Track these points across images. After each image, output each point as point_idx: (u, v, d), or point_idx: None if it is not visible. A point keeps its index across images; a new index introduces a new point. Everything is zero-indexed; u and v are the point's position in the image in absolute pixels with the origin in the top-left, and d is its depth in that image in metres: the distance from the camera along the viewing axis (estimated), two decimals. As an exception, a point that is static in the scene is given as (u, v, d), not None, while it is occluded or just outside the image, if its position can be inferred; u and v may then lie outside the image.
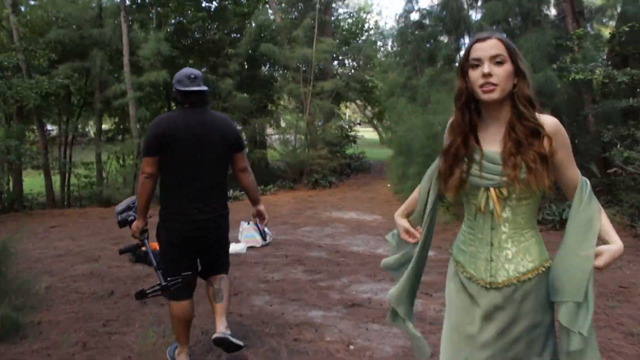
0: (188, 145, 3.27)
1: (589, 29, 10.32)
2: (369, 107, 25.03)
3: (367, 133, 30.34)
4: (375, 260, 6.33)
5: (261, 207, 3.82)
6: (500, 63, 1.78)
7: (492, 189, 1.84)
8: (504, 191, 1.82)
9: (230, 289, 3.86)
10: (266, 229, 7.36)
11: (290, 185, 13.60)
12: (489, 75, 1.76)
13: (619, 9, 10.12)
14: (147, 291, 3.31)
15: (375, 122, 25.90)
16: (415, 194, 2.16)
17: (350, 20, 23.90)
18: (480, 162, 1.85)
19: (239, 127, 16.59)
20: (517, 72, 1.81)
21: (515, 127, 1.80)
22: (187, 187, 3.31)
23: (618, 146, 7.63)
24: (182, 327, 3.43)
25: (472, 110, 1.88)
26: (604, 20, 12.76)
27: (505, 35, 1.96)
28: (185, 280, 3.31)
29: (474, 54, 1.81)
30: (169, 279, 3.26)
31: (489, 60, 1.77)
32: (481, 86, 1.78)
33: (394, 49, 16.81)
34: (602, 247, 1.76)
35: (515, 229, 1.86)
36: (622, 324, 4.30)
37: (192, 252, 3.46)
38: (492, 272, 1.87)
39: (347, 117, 27.93)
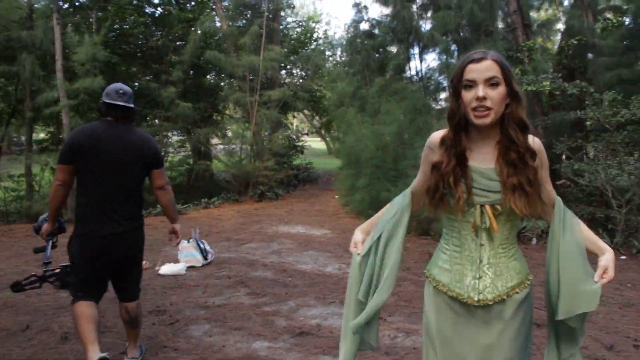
0: (102, 159, 3.30)
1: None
2: (317, 117, 24.72)
3: (314, 143, 30.11)
4: (324, 280, 5.90)
5: (177, 226, 3.84)
6: (494, 85, 1.75)
7: (487, 206, 1.84)
8: (499, 207, 1.83)
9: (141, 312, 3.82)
10: (208, 247, 6.82)
11: (235, 197, 13.01)
12: (484, 99, 1.73)
13: (561, 26, 10.14)
14: (23, 282, 3.36)
15: (323, 132, 25.61)
16: (379, 214, 2.15)
17: (299, 30, 23.57)
18: (474, 179, 1.84)
19: (181, 137, 15.99)
20: (511, 94, 1.78)
21: (509, 150, 1.81)
22: (98, 201, 3.32)
23: (564, 157, 7.53)
24: (84, 328, 3.27)
25: (464, 129, 1.86)
26: (545, 36, 12.87)
27: (500, 55, 1.84)
28: (64, 271, 3.38)
29: (468, 75, 1.76)
30: (44, 270, 3.35)
31: (484, 82, 1.74)
32: (474, 109, 1.76)
33: (343, 58, 16.56)
34: (604, 262, 1.81)
35: (503, 245, 1.89)
36: (584, 346, 4.02)
37: (102, 266, 3.40)
38: (481, 289, 1.87)
39: (294, 127, 27.54)
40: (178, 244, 4.00)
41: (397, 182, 9.09)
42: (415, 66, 19.47)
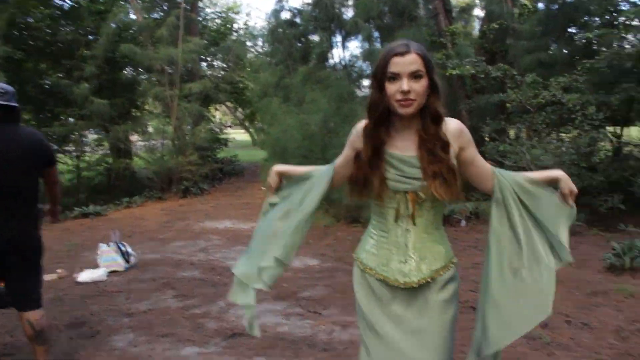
0: None
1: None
2: (240, 109, 24.29)
3: (238, 135, 29.63)
4: (255, 276, 5.67)
5: (56, 208, 3.75)
6: (418, 78, 1.78)
7: (409, 193, 1.89)
8: (422, 194, 1.88)
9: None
10: (129, 249, 6.43)
11: (158, 195, 12.49)
12: (408, 92, 1.77)
13: (480, 11, 10.30)
14: None
15: (247, 123, 25.20)
16: (306, 169, 2.17)
17: (218, 21, 23.00)
18: (396, 166, 1.89)
19: (99, 135, 15.19)
20: (432, 86, 1.82)
21: (428, 137, 1.85)
22: None
23: (487, 139, 7.63)
24: None
25: (385, 120, 1.89)
26: (465, 22, 13.09)
27: (422, 47, 1.87)
28: None
29: (393, 67, 1.78)
30: None
31: (408, 76, 1.77)
32: (398, 100, 1.79)
33: (265, 48, 16.24)
34: (561, 182, 1.90)
35: (427, 230, 1.94)
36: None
37: None
38: (406, 273, 1.91)
39: (217, 120, 26.98)
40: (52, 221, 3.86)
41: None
42: (338, 54, 19.44)
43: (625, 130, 9.77)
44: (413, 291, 1.93)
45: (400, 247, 1.94)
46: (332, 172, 2.09)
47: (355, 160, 1.97)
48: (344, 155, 2.07)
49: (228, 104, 22.73)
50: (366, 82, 11.30)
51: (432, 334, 1.92)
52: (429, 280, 1.92)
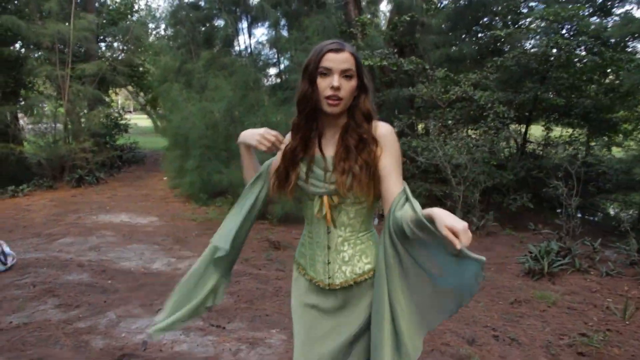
0: None
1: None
2: (142, 94, 22.91)
3: (141, 121, 28.07)
4: (151, 280, 5.04)
5: None
6: (348, 77, 1.77)
7: (325, 197, 1.84)
8: (335, 199, 1.83)
9: None
10: (7, 249, 5.55)
11: (49, 184, 11.29)
12: (338, 88, 1.74)
13: (387, 4, 10.07)
14: None
15: (149, 109, 23.84)
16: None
17: (118, 0, 21.44)
18: (311, 168, 1.86)
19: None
20: (361, 87, 1.81)
21: (348, 134, 1.80)
22: None
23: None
24: None
25: (313, 117, 1.84)
26: (372, 14, 12.86)
27: (355, 49, 1.85)
28: None
29: (326, 63, 1.76)
30: None
31: (339, 73, 1.75)
32: (327, 97, 1.76)
33: (167, 31, 15.19)
34: (441, 221, 1.43)
35: (352, 232, 1.87)
36: (446, 343, 3.72)
37: None
38: (330, 274, 1.88)
39: (118, 105, 25.32)
40: None
41: (230, 163, 8.37)
42: (244, 40, 18.73)
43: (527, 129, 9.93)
44: (337, 293, 1.90)
45: (323, 249, 1.90)
46: (267, 165, 2.04)
47: (282, 154, 1.90)
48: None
49: (130, 88, 21.36)
50: (273, 71, 10.78)
51: (350, 333, 1.86)
52: (352, 283, 1.87)
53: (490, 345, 3.86)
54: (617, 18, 8.76)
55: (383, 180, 1.77)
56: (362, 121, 1.78)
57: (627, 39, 8.35)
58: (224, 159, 8.72)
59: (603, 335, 4.08)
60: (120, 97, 28.94)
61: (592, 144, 9.74)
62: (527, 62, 8.08)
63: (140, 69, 18.26)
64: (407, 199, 1.65)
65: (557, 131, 10.84)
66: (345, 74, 1.75)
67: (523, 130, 9.82)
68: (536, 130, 10.84)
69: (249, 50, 10.81)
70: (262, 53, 10.95)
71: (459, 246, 1.39)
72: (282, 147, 1.90)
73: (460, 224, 1.40)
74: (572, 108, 9.26)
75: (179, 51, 10.51)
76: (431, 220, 1.48)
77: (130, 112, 19.56)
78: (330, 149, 1.85)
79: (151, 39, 18.57)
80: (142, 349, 3.49)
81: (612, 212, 10.14)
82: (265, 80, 10.32)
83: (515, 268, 5.62)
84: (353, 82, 1.77)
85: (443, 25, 9.20)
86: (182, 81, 9.87)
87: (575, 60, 8.36)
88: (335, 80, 1.73)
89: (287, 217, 7.62)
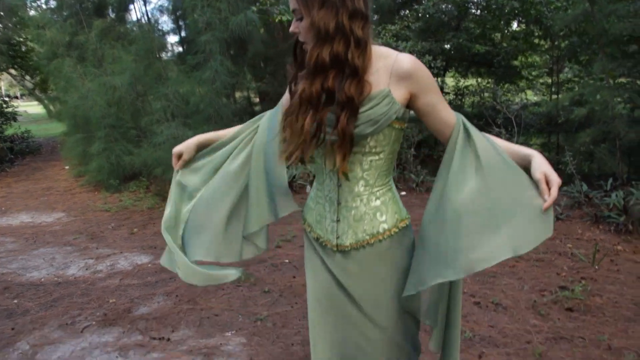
0: None
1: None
2: (28, 77, 20.75)
3: (31, 107, 25.67)
4: (68, 291, 4.15)
5: None
6: (299, 19, 1.45)
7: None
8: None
9: None
10: None
11: None
12: (295, 34, 1.50)
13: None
14: None
15: (38, 93, 21.69)
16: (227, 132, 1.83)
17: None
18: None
19: None
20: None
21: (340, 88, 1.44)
22: None
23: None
24: None
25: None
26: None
27: None
28: None
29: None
30: None
31: (295, 15, 1.46)
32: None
33: (50, 2, 13.46)
34: (539, 170, 1.37)
35: (365, 186, 1.56)
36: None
37: None
38: (339, 234, 1.59)
39: (2, 91, 22.97)
40: None
41: (142, 141, 7.41)
42: (139, 7, 17.51)
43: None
44: (347, 254, 1.60)
45: (333, 204, 1.60)
46: (279, 109, 1.72)
47: (290, 94, 1.59)
48: (285, 95, 1.70)
49: (12, 71, 19.23)
50: (174, 39, 9.79)
51: (369, 310, 1.59)
52: (364, 245, 1.57)
53: (475, 314, 3.42)
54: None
55: (434, 116, 1.49)
56: (351, 76, 1.40)
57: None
58: (133, 138, 7.72)
59: (581, 285, 3.80)
60: (2, 83, 26.27)
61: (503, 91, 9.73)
62: (447, 10, 7.77)
63: (23, 48, 16.33)
64: (466, 130, 1.48)
65: (468, 81, 10.92)
66: (297, 17, 1.46)
67: (440, 80, 9.66)
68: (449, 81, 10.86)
69: (146, 16, 9.70)
70: (160, 20, 9.90)
71: (547, 196, 1.34)
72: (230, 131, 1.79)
73: (556, 177, 1.36)
74: (481, 57, 9.30)
75: (66, 23, 9.17)
76: (526, 158, 1.44)
77: (17, 98, 17.58)
78: None
79: (32, 13, 16.64)
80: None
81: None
82: (171, 47, 9.31)
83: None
84: (304, 23, 1.43)
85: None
86: (74, 56, 8.61)
87: (494, 6, 8.15)
88: (292, 26, 1.48)
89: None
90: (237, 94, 10.41)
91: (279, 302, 3.76)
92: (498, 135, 6.78)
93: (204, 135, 1.83)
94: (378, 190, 1.58)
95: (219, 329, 3.36)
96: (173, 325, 3.41)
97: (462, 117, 1.50)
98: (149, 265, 4.65)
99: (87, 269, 4.66)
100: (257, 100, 11.05)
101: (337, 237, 1.60)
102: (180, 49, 10.41)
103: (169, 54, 10.25)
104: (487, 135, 1.51)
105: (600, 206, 5.51)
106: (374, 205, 1.57)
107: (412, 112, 1.53)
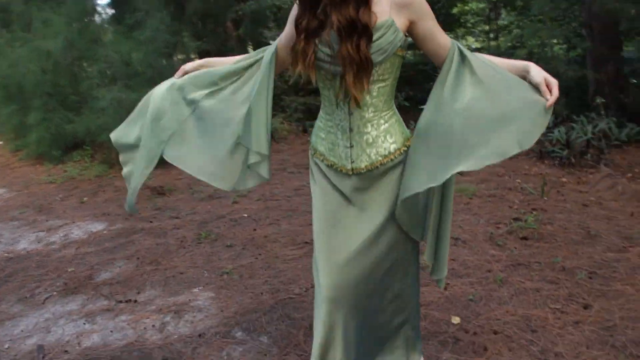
0: None
1: None
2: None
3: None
4: (22, 265, 4.00)
5: None
6: None
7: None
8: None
9: None
10: None
11: None
12: None
13: None
14: None
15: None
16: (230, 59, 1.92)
17: None
18: (330, 45, 1.59)
19: None
20: None
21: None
22: None
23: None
24: None
25: None
26: None
27: None
28: None
29: None
30: None
31: None
32: None
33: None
34: (537, 75, 1.56)
35: (375, 112, 1.72)
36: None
37: None
38: (354, 158, 1.75)
39: None
40: None
41: (83, 108, 7.13)
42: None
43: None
44: (362, 176, 1.76)
45: (345, 131, 1.75)
46: (274, 48, 1.82)
47: (296, 29, 1.65)
48: (285, 32, 1.79)
49: None
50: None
51: (378, 212, 1.77)
52: (378, 165, 1.74)
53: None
54: None
55: (430, 41, 1.65)
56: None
57: None
58: (74, 105, 7.39)
59: (533, 216, 3.99)
60: None
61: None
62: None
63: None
64: (461, 52, 1.63)
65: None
66: None
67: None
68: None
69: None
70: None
71: (549, 95, 1.51)
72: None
73: (554, 80, 1.53)
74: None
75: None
76: (522, 70, 1.61)
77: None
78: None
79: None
80: (40, 357, 2.65)
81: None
82: (103, 9, 8.89)
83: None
84: None
85: None
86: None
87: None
88: None
89: (162, 159, 6.69)
90: (178, 56, 10.13)
91: (242, 255, 3.78)
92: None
93: (211, 59, 1.97)
94: (385, 114, 1.73)
95: (185, 286, 3.35)
96: (138, 287, 3.37)
97: (456, 42, 1.66)
98: (105, 232, 4.55)
99: (39, 242, 4.51)
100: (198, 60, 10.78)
101: (352, 162, 1.74)
102: (114, 10, 9.99)
103: (103, 15, 9.81)
104: (481, 55, 1.67)
105: (544, 142, 5.74)
106: (383, 129, 1.73)
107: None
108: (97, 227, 4.70)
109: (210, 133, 1.88)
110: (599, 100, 5.73)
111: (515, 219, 4.01)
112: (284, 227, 4.25)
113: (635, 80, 6.50)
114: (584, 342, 2.45)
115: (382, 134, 1.73)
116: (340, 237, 1.78)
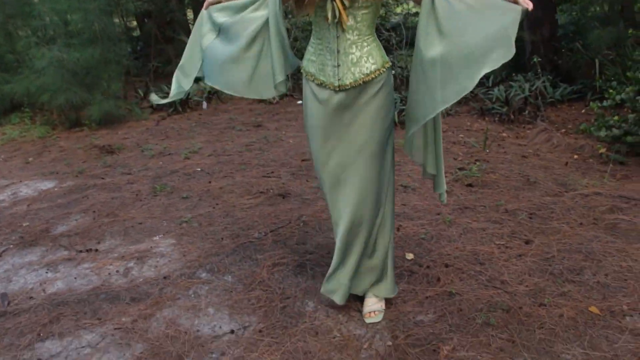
0: None
1: None
2: None
3: None
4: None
5: None
6: None
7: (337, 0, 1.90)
8: (347, 1, 1.92)
9: None
10: None
11: None
12: None
13: None
14: None
15: None
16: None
17: None
18: None
19: None
20: None
21: None
22: None
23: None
24: None
25: None
26: None
27: None
28: None
29: None
30: None
31: None
32: None
33: None
34: None
35: (359, 35, 2.02)
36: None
37: None
38: (340, 76, 2.04)
39: None
40: None
41: (22, 67, 6.88)
42: None
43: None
44: (347, 92, 2.06)
45: (333, 53, 2.04)
46: None
47: None
48: None
49: None
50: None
51: (364, 130, 2.10)
52: (360, 83, 2.04)
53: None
54: None
55: None
56: None
57: None
58: (10, 64, 7.13)
59: (477, 166, 4.22)
60: None
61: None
62: None
63: None
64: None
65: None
66: None
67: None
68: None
69: None
70: None
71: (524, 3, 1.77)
72: None
73: None
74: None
75: None
76: None
77: None
78: None
79: None
80: (5, 304, 2.66)
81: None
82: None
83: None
84: None
85: None
86: None
87: None
88: None
89: (108, 119, 6.59)
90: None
91: (199, 205, 3.85)
92: (389, 38, 7.05)
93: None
94: (368, 38, 2.04)
95: (145, 234, 3.40)
96: (97, 237, 3.40)
97: None
98: (55, 189, 4.50)
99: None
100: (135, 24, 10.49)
101: (339, 79, 2.04)
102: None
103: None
104: None
105: (485, 100, 6.00)
106: (365, 50, 2.03)
107: None
108: (47, 185, 4.63)
109: (234, 40, 2.17)
110: (535, 59, 6.01)
111: (461, 169, 4.24)
112: (238, 180, 4.33)
113: (564, 43, 6.84)
114: (526, 271, 2.69)
115: (365, 55, 2.03)
116: (331, 148, 2.16)
